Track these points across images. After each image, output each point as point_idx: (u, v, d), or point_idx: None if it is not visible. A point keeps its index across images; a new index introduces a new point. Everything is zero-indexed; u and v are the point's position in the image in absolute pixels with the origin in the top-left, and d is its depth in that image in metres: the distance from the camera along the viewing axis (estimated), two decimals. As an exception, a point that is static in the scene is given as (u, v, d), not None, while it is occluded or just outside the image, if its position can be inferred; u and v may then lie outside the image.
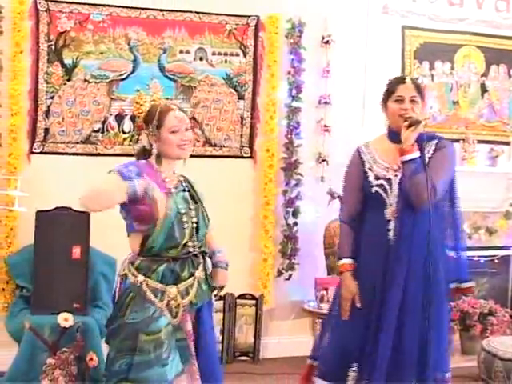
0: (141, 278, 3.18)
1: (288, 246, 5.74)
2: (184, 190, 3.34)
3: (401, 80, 3.61)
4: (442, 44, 6.21)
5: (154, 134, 3.26)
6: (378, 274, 3.50)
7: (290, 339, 5.77)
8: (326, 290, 5.54)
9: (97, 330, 4.49)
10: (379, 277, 3.49)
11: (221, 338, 5.53)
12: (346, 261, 3.62)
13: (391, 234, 3.48)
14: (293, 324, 5.82)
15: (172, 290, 3.21)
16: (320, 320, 5.57)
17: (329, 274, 5.70)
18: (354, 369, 3.52)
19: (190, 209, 3.28)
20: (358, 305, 3.54)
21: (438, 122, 6.20)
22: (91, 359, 4.36)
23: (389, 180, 3.54)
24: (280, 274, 5.74)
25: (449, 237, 3.62)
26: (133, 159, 3.35)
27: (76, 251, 4.64)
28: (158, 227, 3.15)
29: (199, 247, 3.32)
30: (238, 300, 5.61)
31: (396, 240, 3.47)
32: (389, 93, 3.63)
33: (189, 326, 3.29)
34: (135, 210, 3.12)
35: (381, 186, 3.54)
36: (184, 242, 3.22)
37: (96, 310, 4.74)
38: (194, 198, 3.35)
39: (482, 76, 6.36)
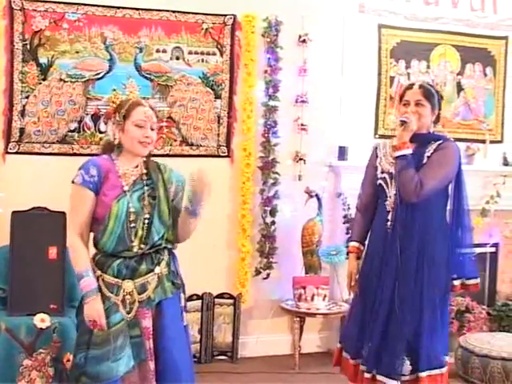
0: (98, 273, 3.27)
1: (266, 245, 5.75)
2: (144, 186, 3.33)
3: (409, 86, 3.90)
4: (418, 43, 6.24)
5: (119, 124, 3.33)
6: (377, 261, 3.83)
7: (269, 338, 5.77)
8: (304, 288, 5.55)
9: (74, 331, 4.42)
10: (377, 263, 3.82)
11: (199, 337, 5.53)
12: (352, 243, 4.03)
13: (389, 224, 3.76)
14: (271, 323, 5.82)
15: (128, 284, 3.25)
16: (298, 318, 5.59)
17: (306, 272, 5.72)
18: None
19: (143, 208, 3.29)
20: (352, 283, 3.95)
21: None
22: (68, 360, 4.32)
23: (391, 174, 3.79)
24: (258, 273, 5.75)
25: (454, 234, 3.81)
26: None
27: (52, 252, 4.60)
28: (107, 232, 3.24)
29: (158, 245, 3.33)
30: (216, 299, 5.60)
31: (391, 230, 3.75)
32: (400, 98, 3.91)
33: (147, 323, 3.28)
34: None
35: (383, 179, 3.84)
36: (135, 244, 3.27)
37: (73, 311, 4.66)
38: (158, 197, 3.35)
39: (457, 75, 6.40)
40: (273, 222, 5.76)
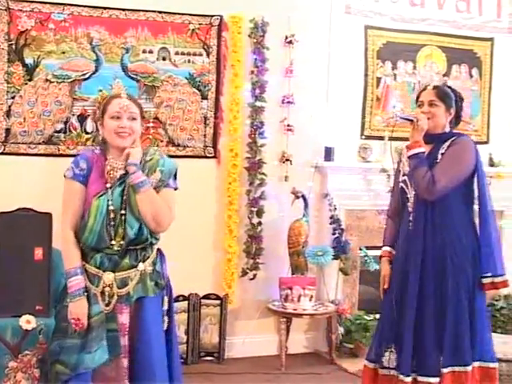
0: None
1: (252, 246, 5.75)
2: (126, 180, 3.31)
3: (424, 88, 3.98)
4: (405, 44, 6.26)
5: (99, 120, 3.36)
6: (402, 261, 3.88)
7: (255, 339, 5.77)
8: (291, 289, 5.56)
9: (60, 332, 4.44)
10: (403, 263, 3.87)
11: (186, 338, 5.52)
12: (384, 248, 4.09)
13: (411, 225, 3.84)
14: (258, 324, 5.82)
15: (109, 276, 3.25)
16: (285, 319, 5.60)
17: (293, 273, 5.72)
18: (391, 349, 3.84)
19: (122, 202, 3.26)
20: (385, 286, 3.97)
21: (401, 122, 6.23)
22: (54, 362, 4.31)
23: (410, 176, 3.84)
24: (244, 273, 5.75)
25: (481, 233, 3.82)
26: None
27: (38, 252, 4.58)
28: (87, 229, 3.24)
29: (144, 241, 3.30)
30: (202, 300, 5.60)
31: (413, 230, 3.83)
32: (416, 99, 3.98)
33: (124, 319, 3.27)
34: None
35: (404, 181, 3.90)
36: (114, 242, 3.27)
37: (59, 312, 4.69)
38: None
39: (443, 76, 6.42)
40: (259, 223, 5.76)
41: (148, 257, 3.33)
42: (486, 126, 6.57)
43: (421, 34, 6.29)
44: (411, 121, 3.77)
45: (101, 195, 3.25)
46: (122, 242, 3.26)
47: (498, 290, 3.92)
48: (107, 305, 3.24)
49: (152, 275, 3.33)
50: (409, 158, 3.77)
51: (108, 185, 3.27)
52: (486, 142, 6.53)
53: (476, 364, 3.76)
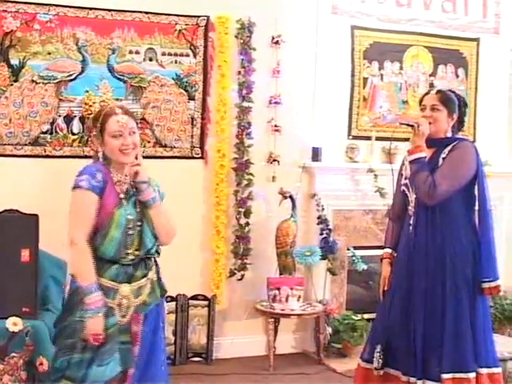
0: None
1: (240, 246, 5.74)
2: (135, 193, 3.33)
3: (427, 92, 4.00)
4: (391, 44, 6.28)
5: (97, 138, 3.30)
6: (406, 263, 3.87)
7: (243, 339, 5.77)
8: (279, 289, 5.56)
9: (47, 334, 4.41)
10: (407, 265, 3.86)
11: (173, 339, 5.50)
12: (385, 250, 4.11)
13: (411, 228, 3.85)
14: (246, 324, 5.82)
15: (125, 288, 3.24)
16: (273, 319, 5.59)
17: (281, 273, 5.72)
18: (378, 350, 3.85)
19: (137, 214, 3.30)
20: (385, 288, 3.98)
21: (388, 122, 6.25)
22: (41, 364, 4.29)
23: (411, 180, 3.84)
24: (232, 274, 5.74)
25: (481, 236, 3.80)
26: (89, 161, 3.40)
27: (25, 254, 4.56)
28: (108, 239, 3.21)
29: (151, 253, 3.36)
30: (190, 301, 5.59)
31: (414, 234, 3.83)
32: (419, 103, 3.98)
33: (137, 328, 3.29)
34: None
35: (405, 184, 3.92)
36: (130, 251, 3.27)
37: (46, 314, 4.66)
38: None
39: (430, 76, 6.45)
40: (247, 223, 5.75)
41: (152, 265, 3.39)
42: (472, 125, 6.58)
43: (407, 35, 6.31)
44: (412, 126, 3.78)
45: (119, 206, 3.25)
46: (136, 253, 3.28)
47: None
48: (123, 316, 3.25)
49: (157, 282, 3.40)
50: (410, 162, 3.78)
51: (122, 195, 3.28)
52: (472, 142, 6.53)
53: (484, 371, 3.72)
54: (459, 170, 3.73)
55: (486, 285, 3.76)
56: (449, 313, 3.70)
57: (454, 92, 4.00)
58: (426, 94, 3.96)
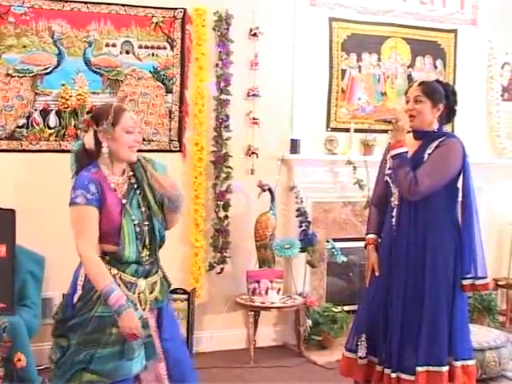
0: (114, 271, 3.21)
1: (219, 240, 5.73)
2: (135, 191, 3.31)
3: (412, 84, 3.93)
4: (369, 36, 6.28)
5: (107, 132, 3.23)
6: (387, 255, 3.85)
7: (224, 333, 5.77)
8: (258, 282, 5.56)
9: (24, 329, 4.39)
10: (388, 257, 3.85)
11: (153, 333, 5.49)
12: (370, 236, 4.02)
13: (394, 221, 3.82)
14: (226, 317, 5.81)
15: (142, 283, 3.26)
16: (253, 313, 5.59)
17: (260, 266, 5.72)
18: (362, 339, 3.86)
19: (142, 214, 3.29)
20: (377, 273, 3.89)
21: (367, 113, 6.26)
22: (19, 360, 4.28)
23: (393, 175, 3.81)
24: (212, 267, 5.73)
25: (464, 232, 3.78)
26: (83, 169, 3.28)
27: (1, 250, 4.50)
28: (127, 247, 3.21)
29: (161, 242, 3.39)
30: (169, 294, 5.56)
31: (396, 226, 3.81)
32: (405, 96, 3.92)
33: (153, 323, 3.32)
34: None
35: (389, 175, 3.86)
36: (143, 254, 3.28)
37: (24, 310, 4.64)
38: (145, 196, 3.33)
39: (408, 67, 6.46)
40: (226, 217, 5.74)
41: (159, 260, 3.42)
42: (450, 117, 6.60)
43: (385, 26, 6.32)
44: (390, 122, 3.73)
45: (124, 214, 3.23)
46: (148, 252, 3.29)
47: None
48: (143, 309, 3.26)
49: (164, 277, 3.44)
50: (391, 157, 3.73)
51: (124, 201, 3.25)
52: (458, 138, 6.55)
53: (458, 364, 3.72)
54: (443, 168, 3.69)
55: (467, 281, 3.74)
56: (427, 306, 3.69)
57: (440, 82, 3.95)
58: (410, 86, 3.89)
